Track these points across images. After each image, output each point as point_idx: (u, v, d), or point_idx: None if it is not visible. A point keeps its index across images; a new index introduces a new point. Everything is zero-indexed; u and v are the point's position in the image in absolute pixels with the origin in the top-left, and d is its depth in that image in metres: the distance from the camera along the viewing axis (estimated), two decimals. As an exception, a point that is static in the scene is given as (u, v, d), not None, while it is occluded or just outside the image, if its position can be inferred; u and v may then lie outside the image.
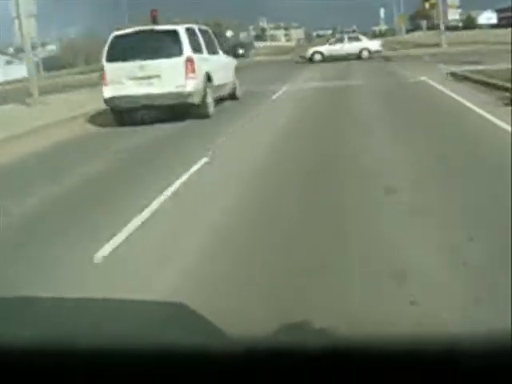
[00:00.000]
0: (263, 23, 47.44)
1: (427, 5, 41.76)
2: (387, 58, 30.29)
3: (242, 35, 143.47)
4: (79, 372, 0.79)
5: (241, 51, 48.81)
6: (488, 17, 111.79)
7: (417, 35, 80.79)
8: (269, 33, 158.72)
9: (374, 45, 35.24)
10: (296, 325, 0.96)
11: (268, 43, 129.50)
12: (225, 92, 13.40)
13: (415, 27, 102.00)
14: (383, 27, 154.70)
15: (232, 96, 14.23)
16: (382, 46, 36.12)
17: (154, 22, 45.86)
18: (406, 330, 1.02)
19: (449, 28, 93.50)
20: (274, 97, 14.84)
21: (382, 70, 22.00)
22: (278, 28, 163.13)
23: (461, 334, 0.89)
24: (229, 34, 60.30)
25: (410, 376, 0.72)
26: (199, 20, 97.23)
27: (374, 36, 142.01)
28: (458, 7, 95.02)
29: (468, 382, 0.72)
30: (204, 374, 0.76)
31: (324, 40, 47.97)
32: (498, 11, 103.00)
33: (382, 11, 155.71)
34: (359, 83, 17.01)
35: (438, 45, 39.98)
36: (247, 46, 52.29)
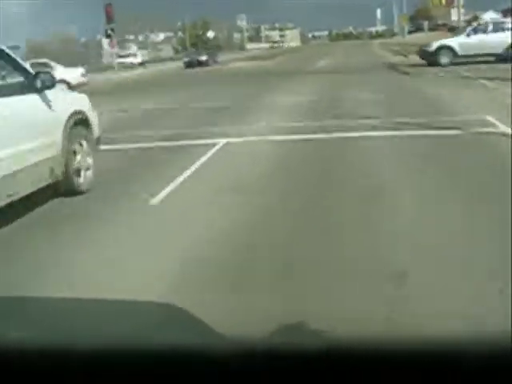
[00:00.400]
0: (242, 22, 38.97)
1: (443, 1, 33.09)
2: (397, 68, 21.41)
3: (236, 36, 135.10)
4: (78, 372, 0.77)
5: (203, 58, 39.66)
6: (490, 17, 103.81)
7: (419, 37, 72.41)
8: (263, 33, 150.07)
9: (74, 75, 22.69)
10: (293, 326, 0.98)
11: (261, 45, 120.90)
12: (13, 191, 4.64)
13: (416, 28, 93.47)
14: (380, 28, 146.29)
15: (63, 188, 5.51)
16: (381, 48, 27.23)
17: (109, 19, 37.04)
18: (405, 330, 1.05)
19: (453, 29, 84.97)
20: (158, 197, 5.51)
21: (407, 94, 13.16)
22: (273, 29, 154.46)
23: (461, 334, 0.89)
24: (210, 34, 51.23)
25: (410, 377, 0.70)
26: (186, 19, 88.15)
27: (371, 37, 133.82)
28: (462, 7, 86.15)
29: (468, 382, 0.70)
30: (201, 375, 0.74)
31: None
32: (503, 12, 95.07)
33: (378, 12, 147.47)
34: (385, 129, 8.30)
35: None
36: (211, 53, 43.14)
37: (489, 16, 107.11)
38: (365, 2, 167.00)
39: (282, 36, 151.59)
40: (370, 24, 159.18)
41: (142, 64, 47.43)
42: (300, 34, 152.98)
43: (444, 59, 21.95)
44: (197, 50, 45.66)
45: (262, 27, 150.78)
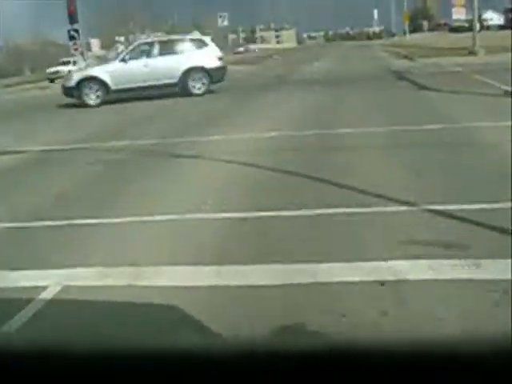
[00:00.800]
0: (223, 21, 33.96)
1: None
2: (407, 77, 16.44)
3: (231, 36, 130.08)
4: (76, 374, 0.75)
5: None
6: (489, 17, 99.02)
7: (420, 37, 67.60)
8: (259, 34, 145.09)
9: None
10: (293, 326, 1.02)
11: (258, 46, 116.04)
12: None
13: (415, 28, 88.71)
14: (377, 28, 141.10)
15: None
16: (381, 50, 22.32)
17: (72, 17, 31.97)
18: (404, 329, 1.10)
19: (454, 29, 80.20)
20: None
21: (440, 129, 8.17)
22: (268, 29, 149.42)
23: (460, 334, 0.93)
24: (195, 35, 46.12)
25: (409, 377, 0.69)
26: (177, 20, 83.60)
27: (368, 37, 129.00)
28: (463, 5, 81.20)
29: (468, 382, 0.69)
30: (201, 375, 0.73)
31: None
32: (506, 11, 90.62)
33: (375, 12, 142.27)
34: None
35: (471, 52, 26.29)
36: None
37: (489, 15, 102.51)
38: (361, 3, 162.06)
39: (277, 37, 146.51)
40: (367, 24, 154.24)
41: None
42: (296, 35, 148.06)
43: (90, 97, 15.49)
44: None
45: (258, 28, 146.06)
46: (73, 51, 30.52)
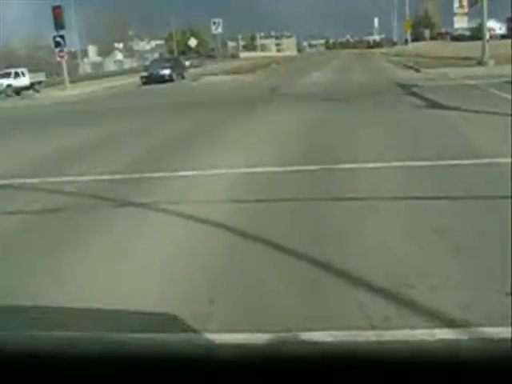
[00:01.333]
0: (217, 28, 31.96)
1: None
2: (416, 93, 14.59)
3: (231, 44, 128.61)
4: (76, 374, 0.75)
5: (165, 72, 31.19)
6: (491, 26, 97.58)
7: (422, 46, 66.01)
8: (259, 42, 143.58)
9: None
10: (292, 329, 0.98)
11: (259, 53, 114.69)
12: None
13: (416, 37, 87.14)
14: (378, 37, 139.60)
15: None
16: (384, 59, 20.49)
17: (57, 22, 30.14)
18: (404, 332, 1.01)
19: (456, 38, 78.50)
20: None
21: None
22: (268, 37, 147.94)
23: (461, 336, 0.85)
24: (192, 42, 44.45)
25: (411, 379, 0.69)
26: (176, 27, 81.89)
27: (368, 46, 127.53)
28: (465, 14, 79.49)
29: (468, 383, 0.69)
30: (201, 377, 0.72)
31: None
32: (509, 20, 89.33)
33: (376, 21, 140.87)
34: None
35: (479, 62, 24.48)
36: (175, 66, 33.69)
37: (491, 25, 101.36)
38: (362, 11, 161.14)
39: (278, 45, 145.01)
40: (367, 33, 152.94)
41: (29, 88, 31.59)
42: (296, 43, 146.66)
43: None
44: (159, 61, 36.65)
45: (258, 35, 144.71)
46: (58, 58, 28.74)
